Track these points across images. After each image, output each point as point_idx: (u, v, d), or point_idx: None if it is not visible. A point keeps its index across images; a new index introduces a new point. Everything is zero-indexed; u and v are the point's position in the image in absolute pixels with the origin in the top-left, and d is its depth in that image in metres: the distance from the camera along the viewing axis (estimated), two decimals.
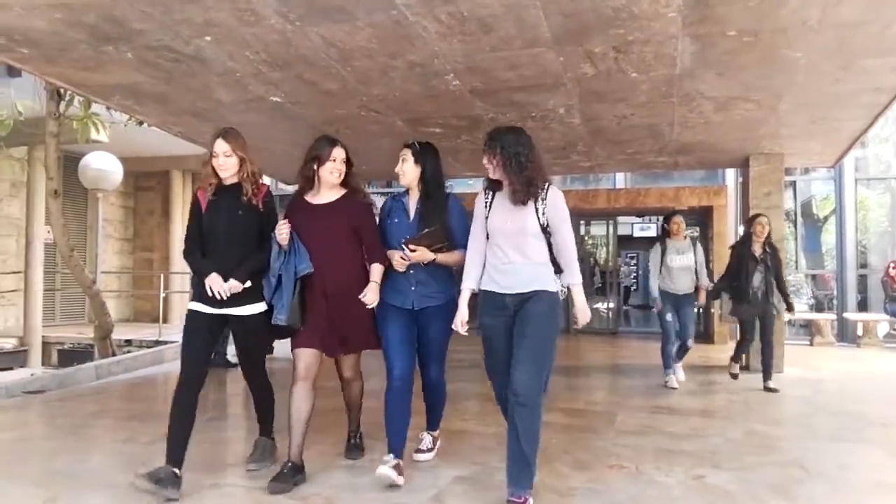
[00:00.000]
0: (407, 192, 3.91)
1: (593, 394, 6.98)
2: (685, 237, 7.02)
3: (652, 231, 14.96)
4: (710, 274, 7.46)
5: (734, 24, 4.34)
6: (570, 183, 13.64)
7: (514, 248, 3.34)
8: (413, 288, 3.76)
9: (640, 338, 12.69)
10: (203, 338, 3.62)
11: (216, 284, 3.53)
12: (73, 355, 10.39)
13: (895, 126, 12.63)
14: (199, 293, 3.62)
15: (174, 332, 10.13)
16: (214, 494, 3.48)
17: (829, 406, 6.14)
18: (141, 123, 7.71)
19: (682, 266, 6.82)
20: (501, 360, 3.34)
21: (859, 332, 11.28)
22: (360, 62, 5.01)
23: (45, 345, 11.27)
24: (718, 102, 6.04)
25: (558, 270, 3.38)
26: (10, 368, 10.09)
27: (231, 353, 8.15)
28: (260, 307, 3.68)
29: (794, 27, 4.41)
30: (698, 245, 7.09)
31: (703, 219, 12.35)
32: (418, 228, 3.73)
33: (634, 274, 20.99)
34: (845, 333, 11.83)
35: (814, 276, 13.66)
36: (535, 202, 3.31)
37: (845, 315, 11.87)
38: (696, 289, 6.92)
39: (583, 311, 3.37)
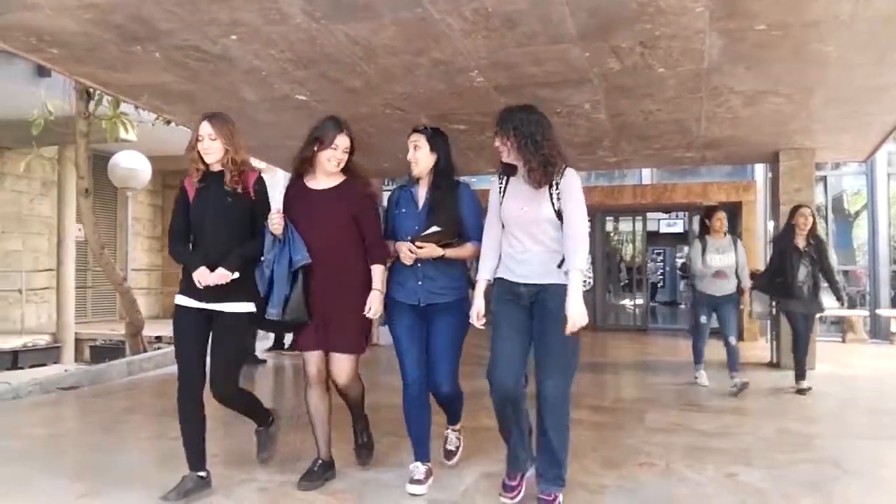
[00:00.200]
0: (416, 180, 3.63)
1: (622, 391, 6.94)
2: (725, 234, 6.57)
3: (679, 227, 14.83)
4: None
5: (763, 18, 4.28)
6: (595, 179, 13.55)
7: (530, 237, 3.15)
8: (420, 283, 3.50)
9: (668, 334, 12.59)
10: (193, 335, 3.40)
11: (204, 278, 3.30)
12: (104, 352, 10.52)
13: None
14: (186, 285, 3.41)
15: None
16: (246, 489, 3.51)
17: (862, 403, 6.04)
18: (168, 122, 7.79)
19: (723, 267, 6.38)
20: (508, 347, 3.16)
21: (892, 328, 11.08)
22: (385, 60, 5.02)
23: (78, 341, 11.44)
24: (747, 97, 5.95)
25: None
26: (44, 364, 10.26)
27: (259, 349, 8.23)
28: (245, 307, 3.41)
29: (825, 21, 4.33)
30: (740, 244, 6.64)
31: (731, 215, 12.18)
32: (428, 219, 3.47)
33: (661, 270, 20.82)
34: (878, 330, 11.63)
35: (845, 273, 13.43)
36: (550, 187, 3.12)
37: (878, 311, 11.66)
38: (740, 290, 6.49)
39: (577, 309, 2.98)
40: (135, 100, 6.38)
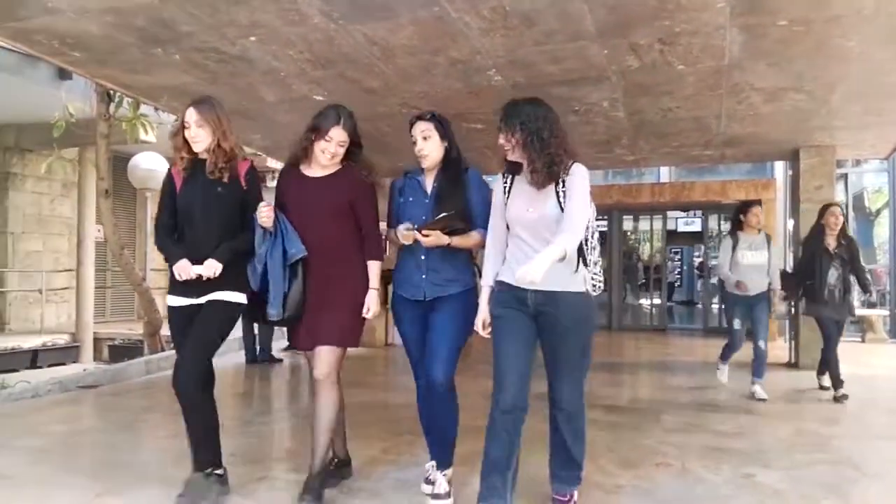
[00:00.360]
0: (421, 168, 3.39)
1: (638, 391, 6.90)
2: (759, 231, 6.21)
3: (697, 226, 14.73)
4: None
5: (785, 13, 4.24)
6: (612, 177, 13.50)
7: (539, 239, 2.89)
8: (424, 276, 3.28)
9: (686, 334, 12.51)
10: (185, 336, 3.24)
11: (185, 271, 3.14)
12: (123, 351, 10.63)
13: None
14: (173, 283, 3.26)
15: None
16: (264, 487, 3.53)
17: (882, 403, 5.98)
18: None
19: (754, 264, 6.04)
20: (516, 364, 2.90)
21: None
22: (402, 59, 5.03)
23: (97, 340, 11.56)
24: (768, 94, 5.91)
25: (585, 262, 2.96)
26: (63, 364, 10.38)
27: (276, 348, 8.27)
28: (232, 296, 3.23)
29: (848, 16, 4.29)
30: (773, 241, 6.36)
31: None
32: (435, 209, 3.23)
33: (678, 270, 20.71)
34: None
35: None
36: (557, 184, 2.90)
37: None
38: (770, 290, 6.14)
39: (533, 268, 2.58)
40: (155, 101, 6.44)
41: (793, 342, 8.27)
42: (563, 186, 2.88)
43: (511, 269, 2.90)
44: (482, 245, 3.21)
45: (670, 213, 15.28)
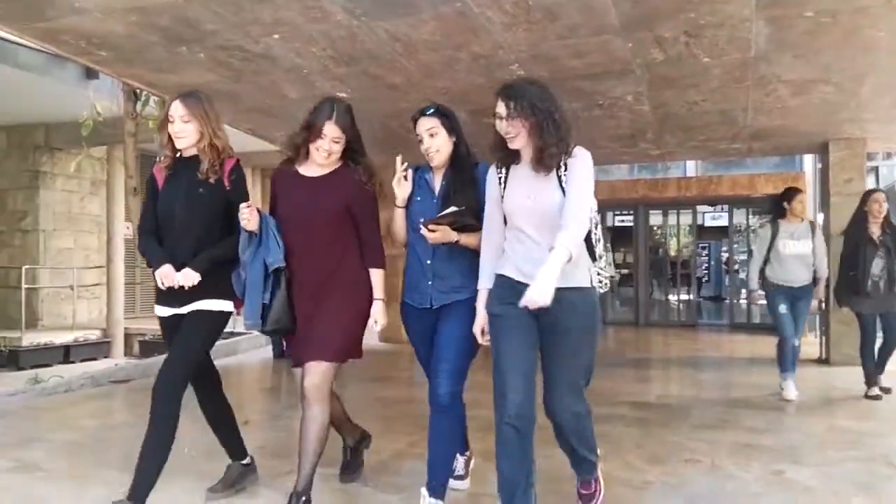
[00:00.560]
0: (430, 164, 3.15)
1: (666, 387, 6.84)
2: (802, 220, 5.88)
3: (724, 220, 14.53)
4: None
5: (812, 4, 4.18)
6: (638, 171, 13.39)
7: (543, 231, 2.64)
8: (430, 282, 3.05)
9: (713, 330, 12.39)
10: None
11: (168, 277, 2.92)
12: (153, 346, 10.76)
13: None
14: (158, 291, 3.05)
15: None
16: (291, 480, 3.53)
17: None
18: None
19: (797, 253, 5.72)
20: (520, 364, 2.63)
21: None
22: (425, 55, 5.03)
23: (127, 336, 11.74)
24: (796, 86, 5.81)
25: (593, 257, 2.76)
26: (94, 359, 10.55)
27: None
28: (218, 304, 3.03)
29: (876, 5, 4.22)
30: (818, 230, 6.01)
31: (770, 205, 11.95)
32: (443, 208, 2.99)
33: (706, 265, 20.47)
34: None
35: None
36: (558, 169, 2.66)
37: None
38: (814, 281, 5.84)
39: (538, 285, 2.40)
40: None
41: (823, 337, 8.14)
42: (565, 171, 2.66)
43: (511, 263, 2.72)
44: None
45: (698, 208, 15.12)
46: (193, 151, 3.04)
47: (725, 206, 13.57)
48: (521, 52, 4.94)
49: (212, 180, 2.99)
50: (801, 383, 5.97)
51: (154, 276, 2.99)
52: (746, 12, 4.27)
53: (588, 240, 2.70)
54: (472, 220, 2.93)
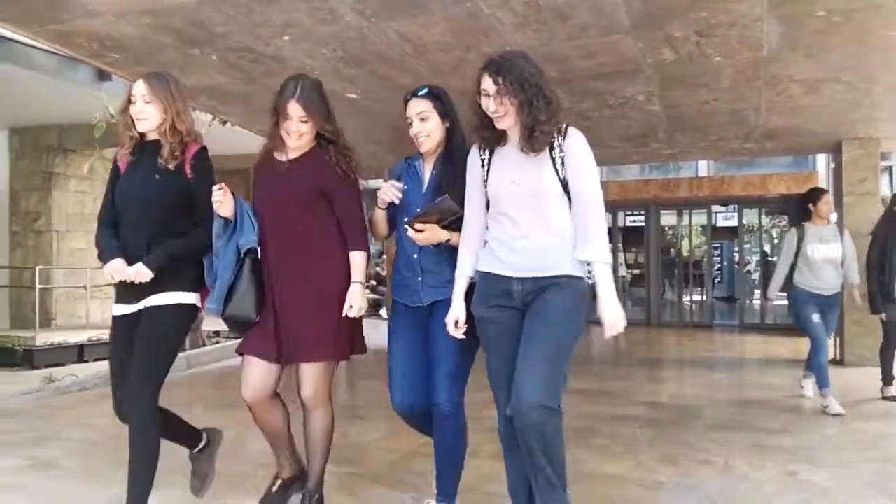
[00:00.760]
0: (421, 153, 2.94)
1: (679, 387, 6.81)
2: (828, 222, 5.54)
3: (735, 221, 14.47)
4: None
5: (823, 3, 4.15)
6: (649, 171, 13.34)
7: (530, 216, 2.45)
8: (420, 278, 2.81)
9: (726, 331, 12.33)
10: (124, 350, 2.76)
11: (118, 272, 2.67)
12: None
13: None
14: (116, 289, 2.82)
15: None
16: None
17: None
18: (225, 123, 7.96)
19: (827, 258, 5.35)
20: (509, 370, 2.40)
21: None
22: (435, 56, 5.03)
23: None
24: (808, 85, 5.78)
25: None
26: (108, 358, 10.59)
27: None
28: (179, 297, 2.76)
29: (887, 4, 4.18)
30: (847, 232, 5.78)
31: (792, 207, 11.88)
32: (435, 199, 2.72)
33: (718, 265, 20.39)
34: None
35: None
36: (551, 150, 2.44)
37: None
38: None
39: (610, 312, 2.34)
40: (193, 101, 6.53)
41: (838, 338, 8.08)
42: (561, 152, 2.44)
43: (494, 256, 2.51)
44: None
45: (712, 208, 15.08)
46: (157, 136, 2.79)
47: (738, 207, 13.51)
48: (532, 53, 4.92)
49: (171, 166, 2.73)
50: (813, 383, 5.93)
51: (104, 271, 2.73)
52: (758, 11, 4.25)
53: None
54: (458, 211, 2.66)
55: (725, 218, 16.56)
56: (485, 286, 2.54)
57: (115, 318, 2.84)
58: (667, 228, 14.82)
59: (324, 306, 2.77)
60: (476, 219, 2.62)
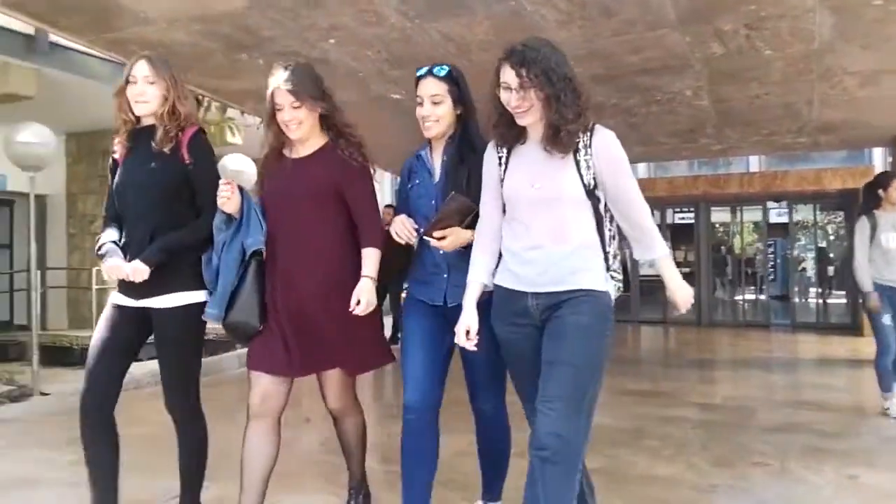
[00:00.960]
0: (429, 142, 2.75)
1: (732, 388, 6.67)
2: None
3: (786, 217, 14.13)
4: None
5: None
6: (698, 167, 13.10)
7: (544, 224, 2.24)
8: (445, 275, 2.61)
9: (778, 330, 12.04)
10: (111, 340, 2.66)
11: (116, 271, 2.52)
12: (217, 345, 10.99)
13: None
14: (119, 283, 2.65)
15: None
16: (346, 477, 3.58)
17: None
18: None
19: None
20: (532, 385, 2.23)
21: None
22: (478, 56, 5.02)
23: None
24: (864, 77, 5.61)
25: (606, 257, 2.28)
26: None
27: None
28: (189, 297, 2.62)
29: None
30: None
31: (847, 203, 11.52)
32: (447, 191, 2.54)
33: (771, 263, 19.95)
34: None
35: None
36: (576, 152, 2.22)
37: None
38: None
39: (682, 290, 2.28)
40: (240, 105, 6.68)
41: None
42: (587, 154, 2.21)
43: (507, 268, 2.34)
44: None
45: (767, 204, 14.72)
46: (153, 120, 2.63)
47: (792, 202, 13.17)
48: (577, 50, 4.88)
49: (167, 150, 2.56)
50: (872, 385, 5.66)
51: (103, 270, 2.61)
52: (810, 3, 4.14)
53: (601, 235, 2.27)
54: (474, 205, 2.48)
55: (778, 214, 16.18)
56: (499, 301, 2.37)
57: (114, 306, 2.69)
58: (717, 225, 14.50)
59: (344, 316, 2.58)
60: (490, 217, 2.42)
